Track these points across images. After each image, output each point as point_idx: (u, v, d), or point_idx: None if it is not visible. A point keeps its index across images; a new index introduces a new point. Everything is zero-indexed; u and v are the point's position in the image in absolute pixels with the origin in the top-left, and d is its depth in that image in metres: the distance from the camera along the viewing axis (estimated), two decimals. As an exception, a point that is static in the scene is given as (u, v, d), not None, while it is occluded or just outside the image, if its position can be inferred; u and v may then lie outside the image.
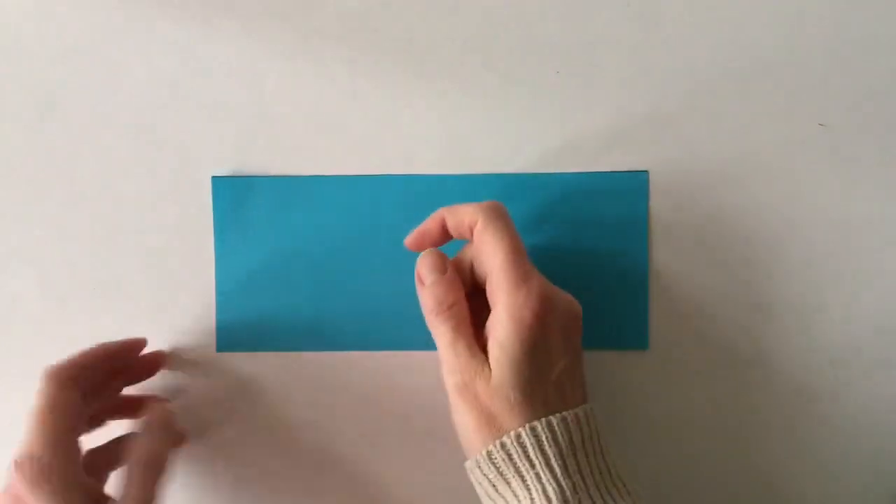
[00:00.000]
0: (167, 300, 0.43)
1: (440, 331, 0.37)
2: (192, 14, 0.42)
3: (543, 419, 0.34)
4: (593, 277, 0.42)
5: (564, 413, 0.34)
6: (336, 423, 0.43)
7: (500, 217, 0.36)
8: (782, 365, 0.42)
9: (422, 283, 0.38)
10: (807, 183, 0.42)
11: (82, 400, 0.36)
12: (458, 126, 0.42)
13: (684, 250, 0.42)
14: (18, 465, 0.33)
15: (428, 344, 0.38)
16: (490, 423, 0.34)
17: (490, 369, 0.35)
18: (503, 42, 0.42)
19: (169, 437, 0.38)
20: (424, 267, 0.38)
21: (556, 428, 0.34)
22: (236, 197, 0.42)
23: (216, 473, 0.43)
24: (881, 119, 0.42)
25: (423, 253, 0.38)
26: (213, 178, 0.42)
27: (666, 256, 0.42)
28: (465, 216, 0.37)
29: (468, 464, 0.36)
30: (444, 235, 0.38)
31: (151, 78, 0.43)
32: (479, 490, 0.36)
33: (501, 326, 0.35)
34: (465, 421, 0.35)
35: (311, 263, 0.42)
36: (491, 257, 0.36)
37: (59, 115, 0.43)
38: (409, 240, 0.39)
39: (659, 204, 0.42)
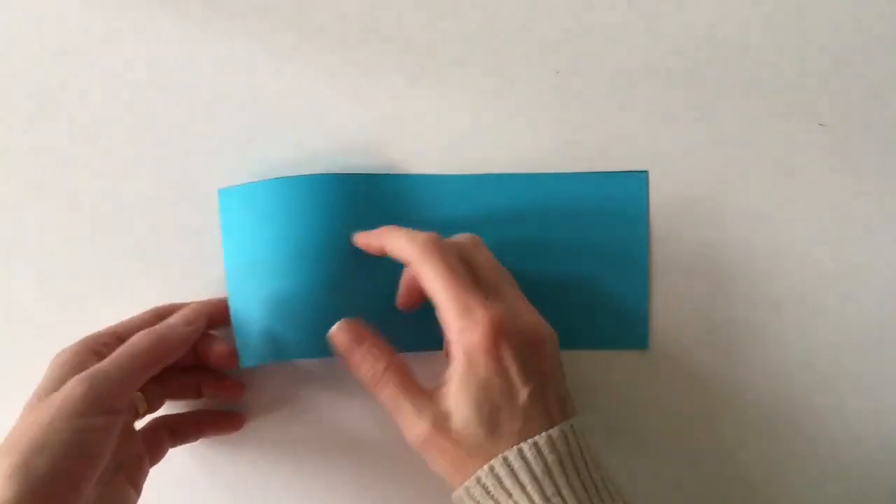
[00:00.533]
0: (167, 300, 0.42)
1: (381, 398, 0.36)
2: (192, 14, 0.42)
3: (515, 448, 0.33)
4: (593, 277, 0.42)
5: (536, 438, 0.34)
6: (340, 424, 0.43)
7: (432, 253, 0.35)
8: (782, 364, 0.42)
9: (345, 357, 0.37)
10: (807, 183, 0.42)
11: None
12: (458, 126, 0.42)
13: (684, 250, 0.42)
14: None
15: (438, 343, 0.38)
16: (464, 462, 0.34)
17: (449, 411, 0.34)
18: (503, 42, 0.42)
19: (184, 329, 0.38)
20: (343, 344, 0.37)
21: (528, 454, 0.33)
22: (242, 206, 0.41)
23: (220, 477, 0.43)
24: (881, 119, 0.42)
25: (336, 326, 0.37)
26: (220, 190, 0.42)
27: (666, 256, 0.42)
28: (400, 250, 0.36)
29: (454, 497, 0.35)
30: (383, 252, 0.38)
31: (151, 78, 0.43)
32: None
33: (456, 363, 0.35)
34: (440, 468, 0.35)
35: (316, 263, 0.41)
36: (431, 296, 0.35)
37: (58, 115, 0.43)
38: (356, 239, 0.39)
39: (659, 204, 0.42)
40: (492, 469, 0.33)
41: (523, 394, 0.34)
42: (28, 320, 0.43)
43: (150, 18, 0.42)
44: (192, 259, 0.42)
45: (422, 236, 0.36)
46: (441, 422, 0.34)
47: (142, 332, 0.37)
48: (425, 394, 0.35)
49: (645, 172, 0.42)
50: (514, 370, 0.34)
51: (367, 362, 0.36)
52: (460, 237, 0.38)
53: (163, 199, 0.43)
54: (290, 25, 0.42)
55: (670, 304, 0.42)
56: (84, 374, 0.34)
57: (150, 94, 0.43)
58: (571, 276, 0.42)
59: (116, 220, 0.43)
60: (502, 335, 0.34)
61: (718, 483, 0.42)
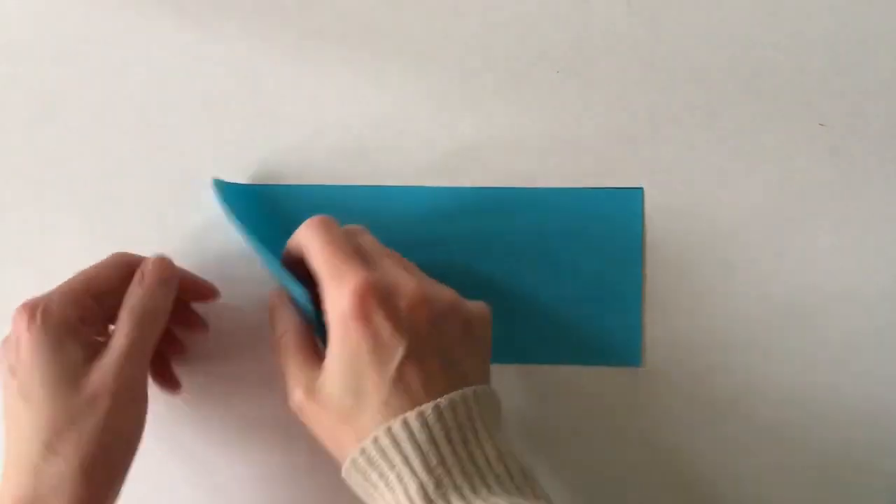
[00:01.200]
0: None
1: (277, 362, 0.37)
2: (192, 14, 0.42)
3: (400, 416, 0.32)
4: (587, 293, 0.42)
5: (423, 407, 0.33)
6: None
7: (315, 227, 0.36)
8: (780, 376, 0.42)
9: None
10: (807, 183, 0.42)
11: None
12: (458, 126, 0.42)
13: (678, 265, 0.42)
14: (22, 306, 0.36)
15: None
16: (339, 434, 0.34)
17: (324, 379, 0.34)
18: (503, 42, 0.42)
19: (165, 290, 0.38)
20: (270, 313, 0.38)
21: (412, 425, 0.32)
22: (235, 202, 0.42)
23: (213, 470, 0.43)
24: (881, 119, 0.42)
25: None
26: (214, 180, 0.42)
27: (660, 271, 0.42)
28: (294, 236, 0.37)
29: (343, 472, 0.34)
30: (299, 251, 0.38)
31: (151, 78, 0.43)
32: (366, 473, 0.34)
33: (332, 331, 0.34)
34: (321, 438, 0.35)
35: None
36: (312, 268, 0.36)
37: (59, 115, 0.43)
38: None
39: (655, 210, 0.42)
40: (375, 440, 0.33)
41: (397, 356, 0.33)
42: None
43: (150, 18, 0.42)
44: (193, 259, 0.42)
45: (311, 218, 0.37)
46: (313, 391, 0.34)
47: (135, 298, 0.37)
48: (311, 363, 0.35)
49: (640, 189, 0.42)
50: (385, 333, 0.33)
51: (271, 330, 0.37)
52: (346, 227, 0.38)
53: (162, 198, 0.43)
54: (290, 25, 0.42)
55: (664, 320, 0.42)
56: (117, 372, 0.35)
57: (150, 94, 0.43)
58: (564, 292, 0.42)
59: (116, 220, 0.43)
60: (372, 297, 0.34)
61: (719, 497, 0.42)
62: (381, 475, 0.33)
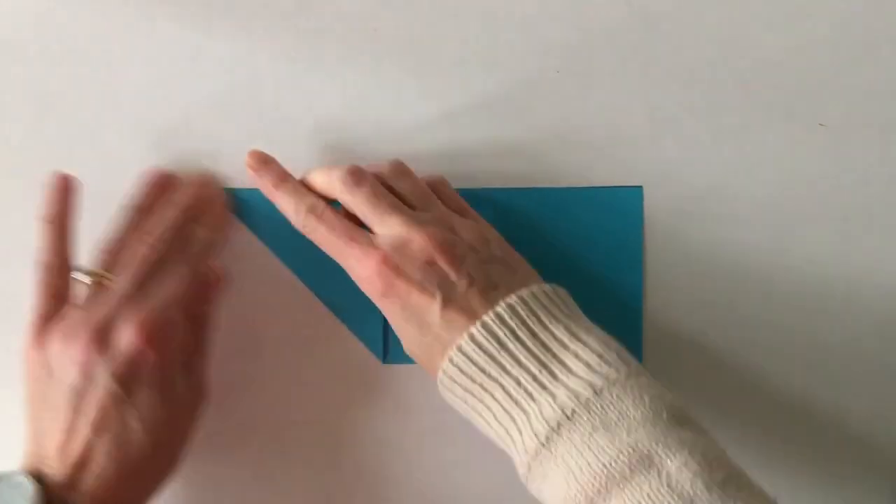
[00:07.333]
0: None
1: (325, 239, 0.38)
2: (192, 14, 0.42)
3: (454, 348, 0.35)
4: (586, 295, 0.41)
5: (460, 341, 0.35)
6: (340, 426, 0.43)
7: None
8: (780, 376, 0.42)
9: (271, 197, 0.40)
10: (807, 183, 0.42)
11: None
12: (458, 126, 0.42)
13: (678, 265, 0.42)
14: (141, 323, 0.37)
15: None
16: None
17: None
18: (503, 42, 0.42)
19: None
20: (266, 185, 0.40)
21: (468, 349, 0.35)
22: (237, 209, 0.42)
23: (216, 473, 0.43)
24: (881, 119, 0.42)
25: (251, 158, 0.40)
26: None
27: (660, 271, 0.42)
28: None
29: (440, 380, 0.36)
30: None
31: (151, 78, 0.43)
32: (457, 405, 0.37)
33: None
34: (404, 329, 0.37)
35: (305, 274, 0.42)
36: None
37: (59, 115, 0.43)
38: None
39: (655, 210, 0.42)
40: (485, 325, 0.35)
41: (434, 309, 0.35)
42: (28, 320, 0.43)
43: (150, 18, 0.42)
44: (192, 259, 0.42)
45: (306, 203, 0.38)
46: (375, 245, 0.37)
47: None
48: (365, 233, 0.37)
49: (640, 188, 0.42)
50: (414, 295, 0.35)
51: (296, 201, 0.39)
52: (382, 165, 0.39)
53: (163, 199, 0.43)
54: (290, 25, 0.42)
55: (665, 322, 0.42)
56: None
57: (150, 94, 0.43)
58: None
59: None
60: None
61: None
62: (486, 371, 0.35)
